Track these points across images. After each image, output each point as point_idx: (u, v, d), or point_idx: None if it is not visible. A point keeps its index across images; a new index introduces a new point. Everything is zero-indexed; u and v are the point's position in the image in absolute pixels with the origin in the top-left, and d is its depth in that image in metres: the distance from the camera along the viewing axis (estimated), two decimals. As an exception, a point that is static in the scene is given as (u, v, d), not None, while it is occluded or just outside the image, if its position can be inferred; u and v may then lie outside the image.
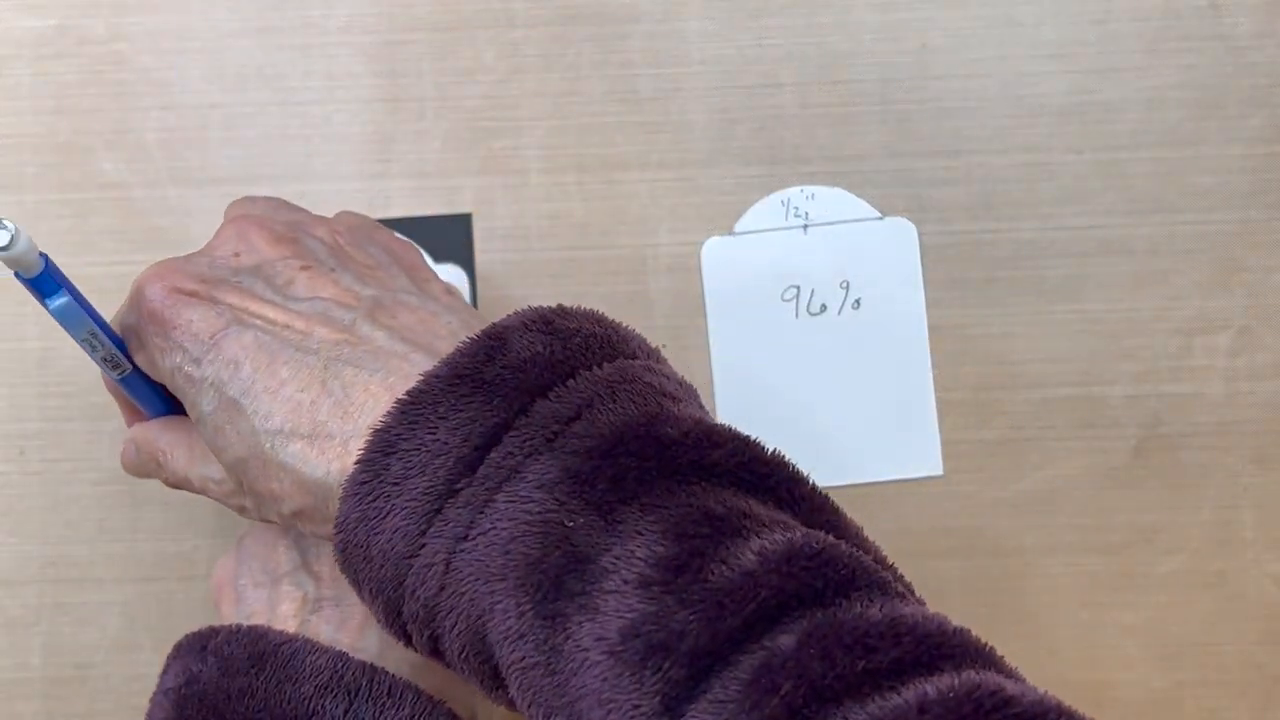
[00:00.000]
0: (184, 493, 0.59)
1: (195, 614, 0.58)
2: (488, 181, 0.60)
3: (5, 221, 0.41)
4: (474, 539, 0.40)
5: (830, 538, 0.40)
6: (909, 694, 0.36)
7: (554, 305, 0.45)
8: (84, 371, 0.59)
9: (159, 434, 0.51)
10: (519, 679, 0.40)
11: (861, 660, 0.36)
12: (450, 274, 0.59)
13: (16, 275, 0.44)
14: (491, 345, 0.43)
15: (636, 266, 0.60)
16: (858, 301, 0.60)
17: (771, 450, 0.43)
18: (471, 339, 0.43)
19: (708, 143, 0.60)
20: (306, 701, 0.45)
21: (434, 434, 0.41)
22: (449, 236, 0.60)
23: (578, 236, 0.60)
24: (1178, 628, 0.59)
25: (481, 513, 0.40)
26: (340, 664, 0.46)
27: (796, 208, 0.60)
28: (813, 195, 0.60)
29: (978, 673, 0.37)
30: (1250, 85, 0.60)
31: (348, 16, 0.61)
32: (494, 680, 0.42)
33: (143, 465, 0.52)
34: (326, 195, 0.60)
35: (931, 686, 0.36)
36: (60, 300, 0.45)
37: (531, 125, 0.60)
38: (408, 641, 0.43)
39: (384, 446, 0.42)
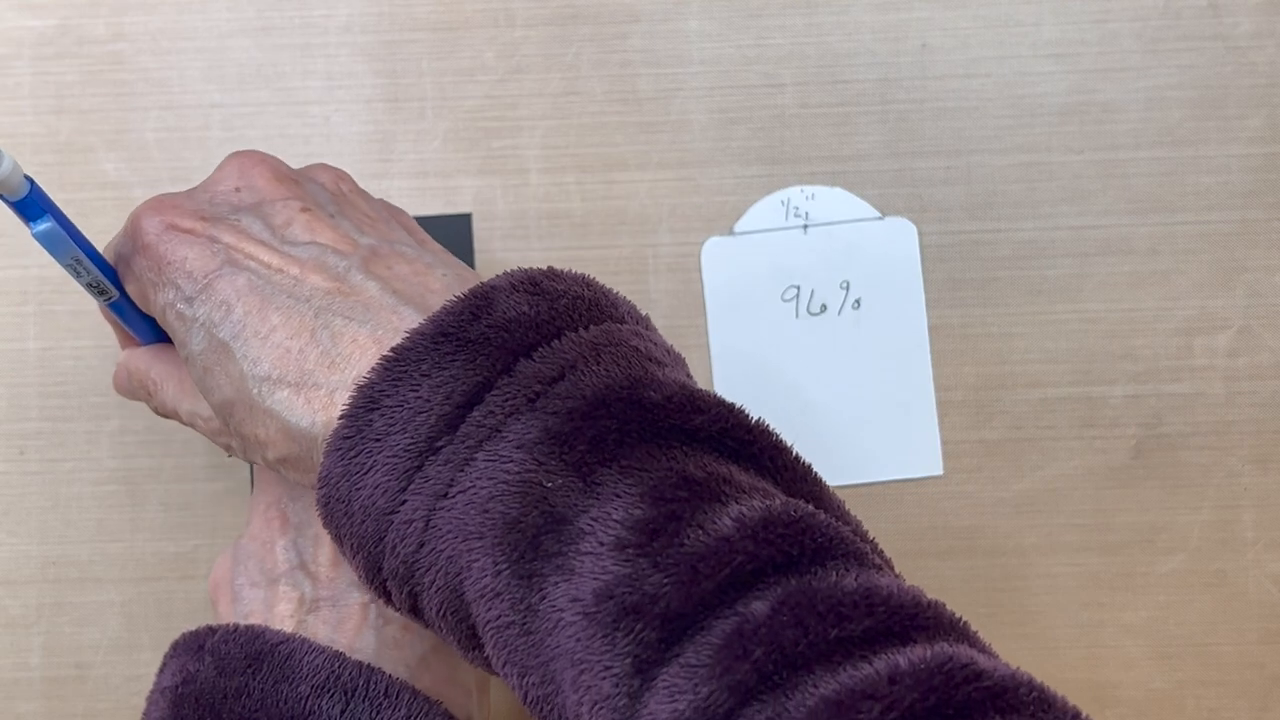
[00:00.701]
0: (184, 493, 0.59)
1: (195, 614, 0.58)
2: (488, 181, 0.60)
3: None
4: (453, 497, 0.40)
5: (809, 507, 0.40)
6: (880, 664, 0.36)
7: (544, 267, 0.45)
8: (84, 371, 0.59)
9: (150, 363, 0.51)
10: (494, 637, 0.40)
11: (834, 629, 0.36)
12: (450, 274, 0.59)
13: (1, 198, 0.44)
14: (477, 304, 0.43)
15: (636, 266, 0.60)
16: (858, 301, 0.60)
17: (755, 419, 0.43)
18: (458, 298, 0.43)
19: (708, 143, 0.60)
20: (303, 701, 0.45)
21: (417, 391, 0.41)
22: (449, 236, 0.60)
23: (578, 236, 0.60)
24: (1178, 628, 0.59)
25: (462, 471, 0.40)
26: (337, 664, 0.46)
27: (796, 208, 0.60)
28: (813, 195, 0.60)
29: (951, 645, 0.37)
30: (1250, 85, 0.60)
31: (348, 16, 0.61)
32: (471, 639, 0.42)
33: (134, 390, 0.52)
34: (326, 195, 0.60)
35: (903, 657, 0.36)
36: (44, 225, 0.45)
37: (531, 125, 0.60)
38: (388, 599, 0.44)
39: (368, 402, 0.42)
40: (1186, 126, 0.60)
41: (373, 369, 0.42)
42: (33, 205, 0.44)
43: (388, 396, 0.41)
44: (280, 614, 0.48)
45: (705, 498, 0.39)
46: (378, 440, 0.41)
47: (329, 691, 0.45)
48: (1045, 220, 0.60)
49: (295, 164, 0.60)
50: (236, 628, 0.47)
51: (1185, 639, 0.59)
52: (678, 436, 0.41)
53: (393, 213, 0.50)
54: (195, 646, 0.47)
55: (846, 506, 0.43)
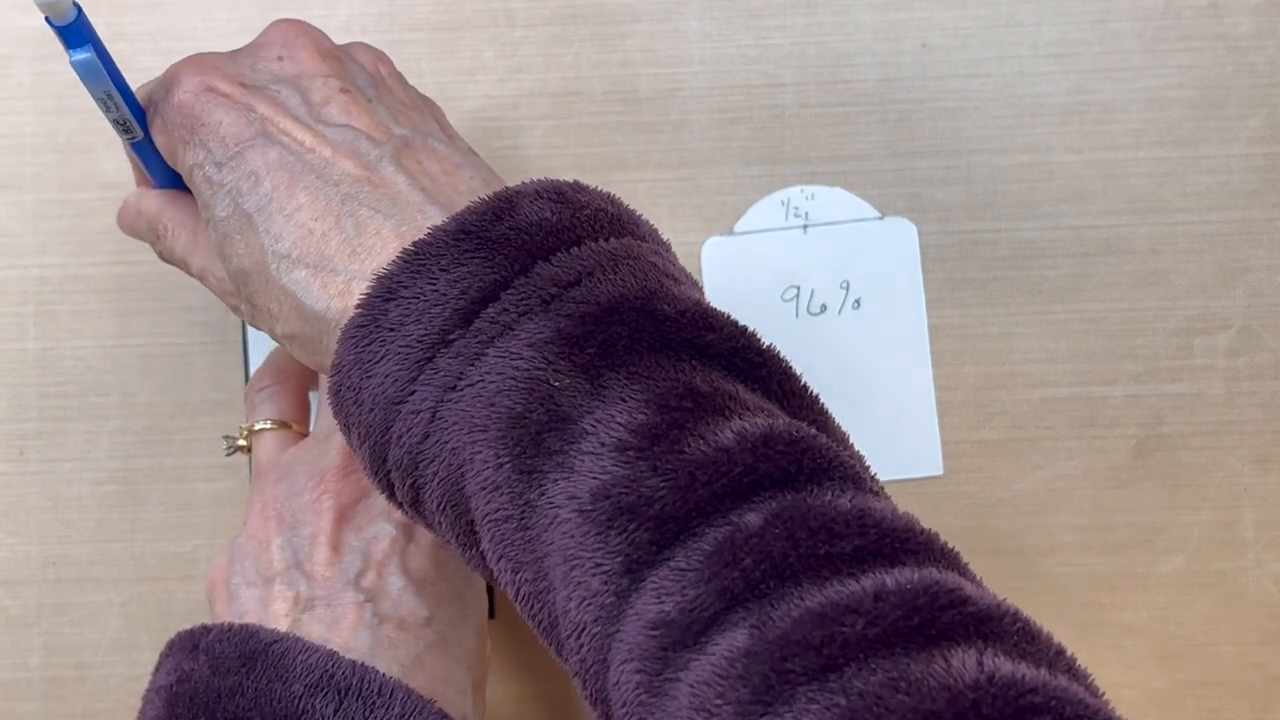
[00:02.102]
0: (184, 493, 0.59)
1: (195, 614, 0.58)
2: (487, 181, 0.60)
3: None
4: (461, 389, 0.41)
5: (812, 430, 0.40)
6: (867, 582, 0.36)
7: (571, 179, 0.46)
8: (84, 371, 0.60)
9: (165, 206, 0.51)
10: (491, 531, 0.41)
11: (824, 545, 0.37)
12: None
13: (47, 20, 0.44)
14: (500, 206, 0.43)
15: (636, 266, 0.60)
16: (858, 301, 0.60)
17: (767, 344, 0.43)
18: (482, 199, 0.43)
19: (708, 143, 0.60)
20: (297, 700, 0.45)
21: (434, 284, 0.41)
22: (449, 236, 0.59)
23: (577, 236, 0.60)
24: (1178, 628, 0.59)
25: (472, 365, 0.41)
26: (331, 663, 0.46)
27: (796, 208, 0.60)
28: (813, 195, 0.60)
29: (939, 571, 0.37)
30: (1250, 85, 0.60)
31: (348, 16, 0.61)
32: (469, 535, 0.42)
33: (139, 231, 0.52)
34: (326, 195, 0.60)
35: (891, 577, 0.36)
36: (84, 54, 0.45)
37: (531, 125, 0.60)
38: (390, 493, 0.44)
39: (385, 292, 0.42)
40: (1186, 126, 0.60)
41: (393, 261, 0.42)
42: (76, 33, 0.45)
43: (405, 288, 0.42)
44: (275, 613, 0.48)
45: (709, 410, 0.39)
46: (392, 330, 0.41)
47: (322, 690, 0.45)
48: (1045, 220, 0.60)
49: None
50: (231, 627, 0.47)
51: (1185, 639, 0.59)
52: (688, 350, 0.41)
53: (426, 103, 0.50)
54: (190, 646, 0.48)
55: (851, 440, 0.44)
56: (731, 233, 0.60)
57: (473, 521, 0.42)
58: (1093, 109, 0.60)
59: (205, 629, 0.48)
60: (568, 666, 0.40)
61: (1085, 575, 0.59)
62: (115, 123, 0.48)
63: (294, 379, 0.55)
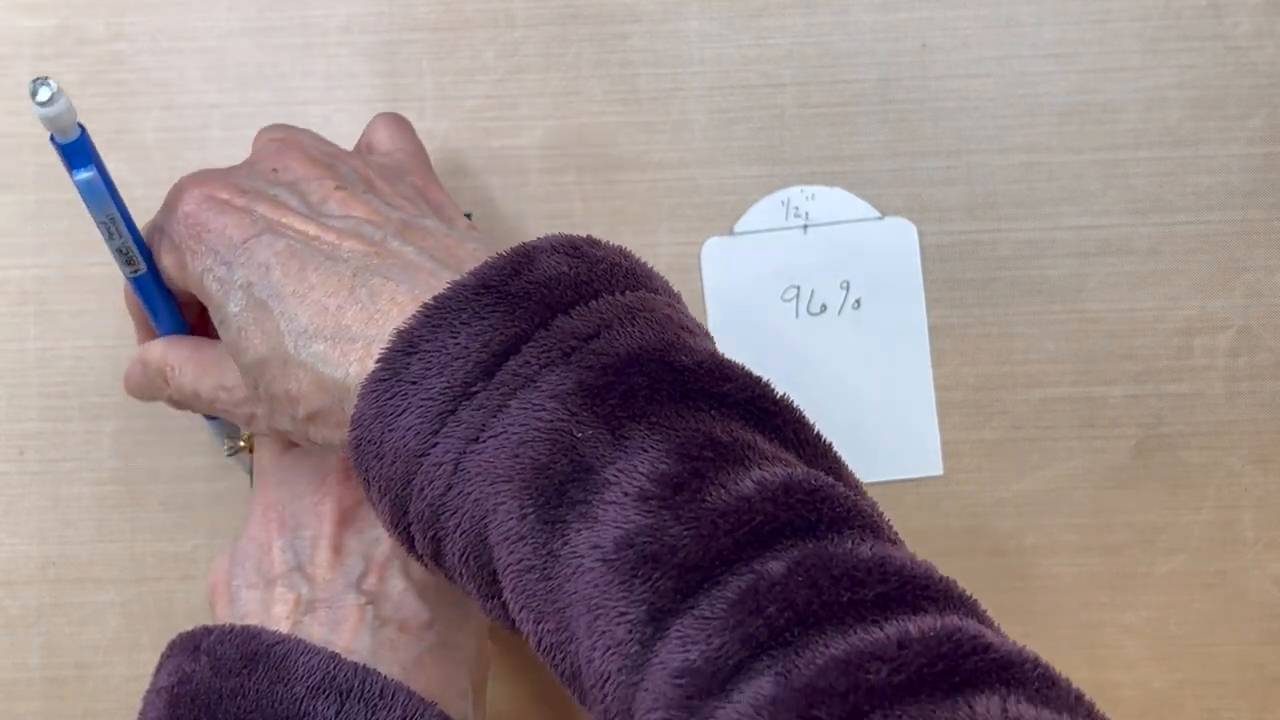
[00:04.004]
0: (184, 493, 0.59)
1: (194, 614, 0.58)
2: (488, 181, 0.60)
3: (49, 79, 0.42)
4: (484, 441, 0.41)
5: (830, 479, 0.41)
6: (890, 629, 0.36)
7: (584, 234, 0.46)
8: (84, 371, 0.59)
9: (166, 350, 0.51)
10: (514, 581, 0.41)
11: (847, 593, 0.37)
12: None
13: (51, 140, 0.44)
14: (519, 261, 0.44)
15: (636, 266, 0.60)
16: (858, 301, 0.60)
17: (781, 394, 0.44)
18: (500, 254, 0.44)
19: (708, 143, 0.60)
20: (298, 702, 0.45)
21: (455, 338, 0.42)
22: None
23: (577, 236, 0.60)
24: (1178, 628, 0.59)
25: (495, 416, 0.41)
26: (332, 665, 0.46)
27: (796, 208, 0.60)
28: (813, 195, 0.60)
29: (960, 618, 0.37)
30: (1250, 85, 0.60)
31: (347, 16, 0.61)
32: (490, 586, 0.42)
33: (148, 385, 0.52)
34: (326, 195, 0.60)
35: (913, 625, 0.36)
36: (87, 174, 0.45)
37: (531, 125, 0.60)
38: (410, 546, 0.44)
39: (406, 346, 0.42)
40: (1186, 126, 0.60)
41: (413, 315, 0.43)
42: (80, 152, 0.45)
43: (426, 341, 0.42)
44: (277, 615, 0.48)
45: (729, 459, 0.40)
46: (414, 383, 0.42)
47: (324, 692, 0.45)
48: (1045, 220, 0.60)
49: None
50: (233, 628, 0.47)
51: (1185, 639, 0.59)
52: (706, 400, 0.42)
53: (422, 193, 0.51)
54: (191, 647, 0.48)
55: (864, 488, 0.44)
56: (731, 233, 0.60)
57: (495, 572, 0.42)
58: (1093, 109, 0.60)
59: (207, 630, 0.48)
60: (592, 716, 0.40)
61: (1085, 575, 0.59)
62: (118, 252, 0.48)
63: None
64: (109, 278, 0.59)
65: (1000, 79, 0.60)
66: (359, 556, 0.50)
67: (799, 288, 0.60)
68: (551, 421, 0.40)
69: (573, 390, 0.41)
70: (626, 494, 0.39)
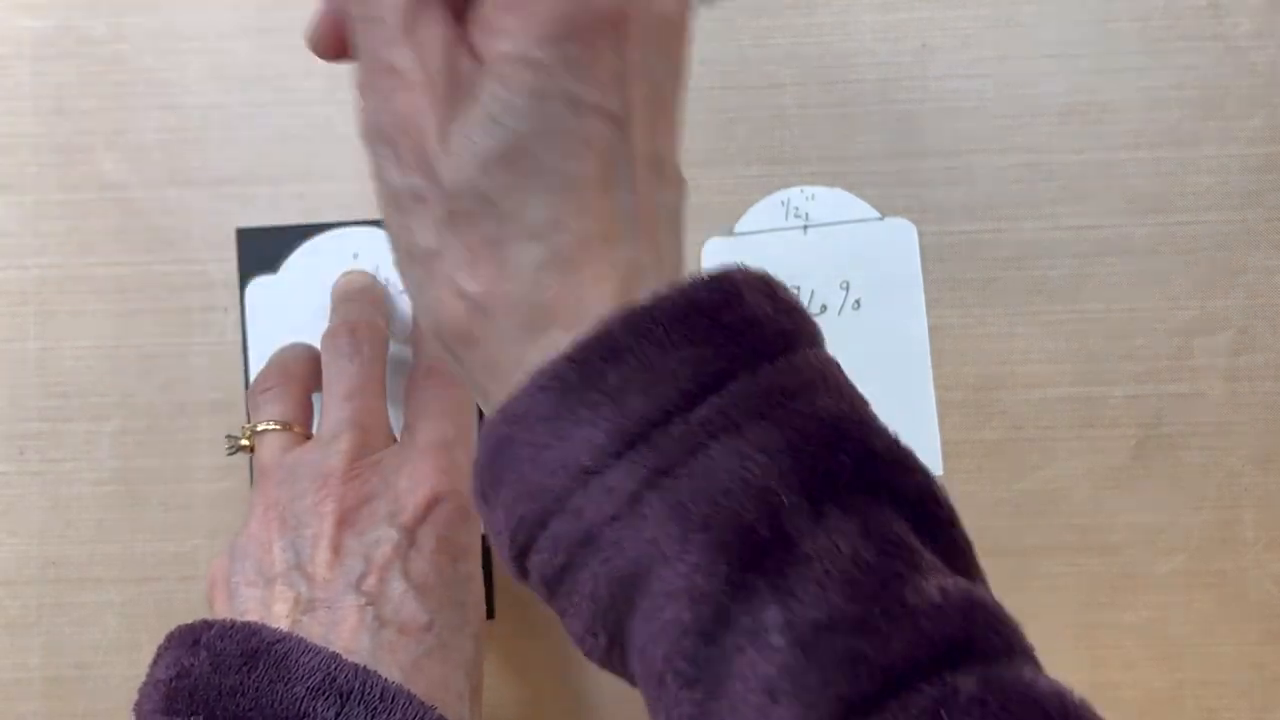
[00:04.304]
0: (184, 493, 0.59)
1: (194, 614, 0.58)
2: (488, 181, 0.60)
3: None
4: (678, 477, 0.37)
5: (995, 598, 0.39)
6: None
7: (763, 269, 0.42)
8: (84, 371, 0.59)
9: None
10: (672, 639, 0.37)
11: None
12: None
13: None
14: (730, 291, 0.39)
15: (636, 266, 0.60)
16: (858, 302, 0.60)
17: (944, 494, 0.41)
18: (708, 278, 0.39)
19: (708, 143, 0.60)
20: (298, 702, 0.45)
21: (664, 357, 0.38)
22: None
23: (578, 236, 0.60)
24: (1178, 628, 0.59)
25: (693, 455, 0.37)
26: (333, 666, 0.46)
27: (796, 208, 0.60)
28: (813, 196, 0.60)
29: None
30: (1250, 85, 0.60)
31: (348, 16, 0.60)
32: (610, 629, 0.39)
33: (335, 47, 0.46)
34: (327, 195, 0.60)
35: None
36: None
37: (531, 125, 0.60)
38: (516, 556, 0.40)
39: (605, 351, 0.38)
40: (1186, 126, 0.60)
41: (613, 318, 0.38)
42: None
43: (630, 352, 0.38)
44: (276, 613, 0.48)
45: (910, 564, 0.37)
46: (607, 395, 0.38)
47: (324, 693, 0.45)
48: (1045, 220, 0.60)
49: (295, 165, 0.60)
50: (233, 623, 0.47)
51: (1185, 639, 0.59)
52: (887, 492, 0.39)
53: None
54: (191, 641, 0.47)
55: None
56: (731, 233, 0.60)
57: (620, 621, 0.38)
58: (1093, 109, 0.60)
59: (206, 624, 0.48)
60: None
61: (1085, 575, 0.59)
62: None
63: (298, 381, 0.55)
64: (109, 278, 0.59)
65: (1000, 79, 0.60)
66: (359, 557, 0.49)
67: (799, 288, 0.60)
68: (762, 478, 0.37)
69: (784, 449, 0.37)
70: (829, 575, 0.36)
